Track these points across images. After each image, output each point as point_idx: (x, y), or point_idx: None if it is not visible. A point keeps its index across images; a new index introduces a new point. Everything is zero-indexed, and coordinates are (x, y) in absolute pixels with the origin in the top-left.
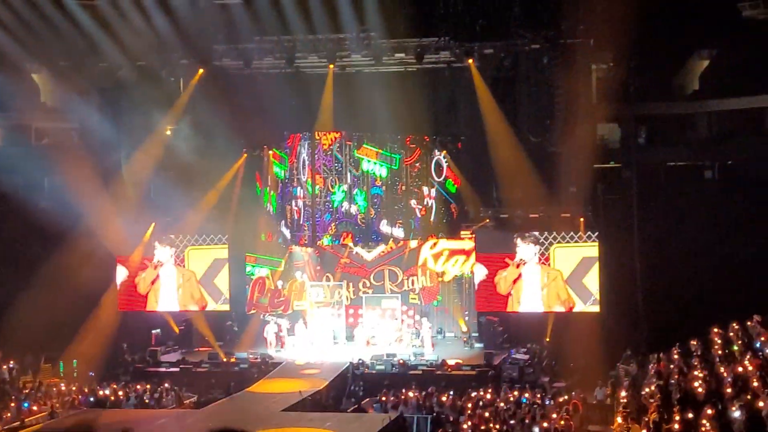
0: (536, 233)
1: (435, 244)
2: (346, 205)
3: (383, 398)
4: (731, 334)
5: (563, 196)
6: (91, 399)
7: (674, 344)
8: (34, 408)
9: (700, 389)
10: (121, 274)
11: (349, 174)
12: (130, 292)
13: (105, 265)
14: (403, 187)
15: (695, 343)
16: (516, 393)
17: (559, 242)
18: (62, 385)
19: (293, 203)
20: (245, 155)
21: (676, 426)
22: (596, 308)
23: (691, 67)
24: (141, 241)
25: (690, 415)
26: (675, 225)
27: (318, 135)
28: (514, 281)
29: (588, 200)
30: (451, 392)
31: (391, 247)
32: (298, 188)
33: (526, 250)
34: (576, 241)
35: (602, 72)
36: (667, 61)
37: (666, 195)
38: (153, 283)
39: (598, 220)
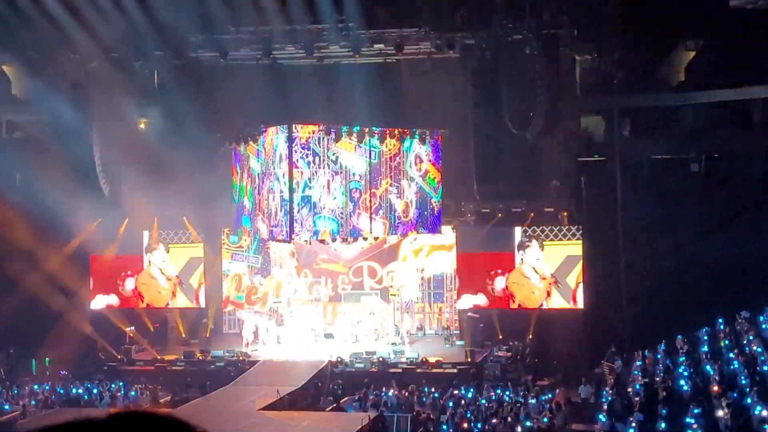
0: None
1: (415, 239)
2: (324, 199)
3: (362, 397)
4: (718, 330)
5: (546, 190)
6: (65, 398)
7: (659, 341)
8: (6, 407)
9: (686, 387)
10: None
11: (327, 168)
12: (113, 289)
13: (78, 260)
14: (383, 182)
15: (681, 339)
16: (498, 391)
17: (543, 240)
18: (35, 383)
19: (270, 198)
20: (225, 148)
21: (662, 425)
22: (579, 304)
23: (676, 58)
24: (115, 236)
25: (676, 414)
26: (660, 219)
27: (295, 128)
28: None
29: (571, 194)
30: (432, 390)
31: (370, 243)
32: (275, 182)
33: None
34: (560, 239)
35: (586, 63)
36: (652, 51)
37: (651, 188)
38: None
39: (581, 214)
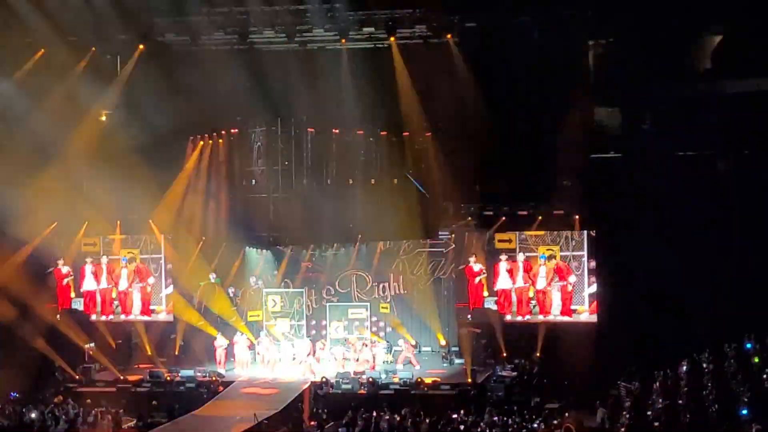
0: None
1: (409, 245)
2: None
3: (350, 422)
4: (748, 347)
5: (556, 191)
6: (16, 424)
7: (683, 359)
8: None
9: (712, 410)
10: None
11: (311, 165)
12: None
13: (31, 268)
14: (373, 180)
15: (707, 357)
16: (502, 415)
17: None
18: None
19: (248, 198)
20: (201, 143)
21: None
22: (593, 318)
23: (702, 44)
24: (72, 241)
25: None
26: (684, 223)
27: (275, 121)
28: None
29: (584, 195)
30: (429, 415)
31: (359, 250)
32: (253, 181)
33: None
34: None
35: (601, 48)
36: (676, 36)
37: (674, 189)
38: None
39: (595, 217)
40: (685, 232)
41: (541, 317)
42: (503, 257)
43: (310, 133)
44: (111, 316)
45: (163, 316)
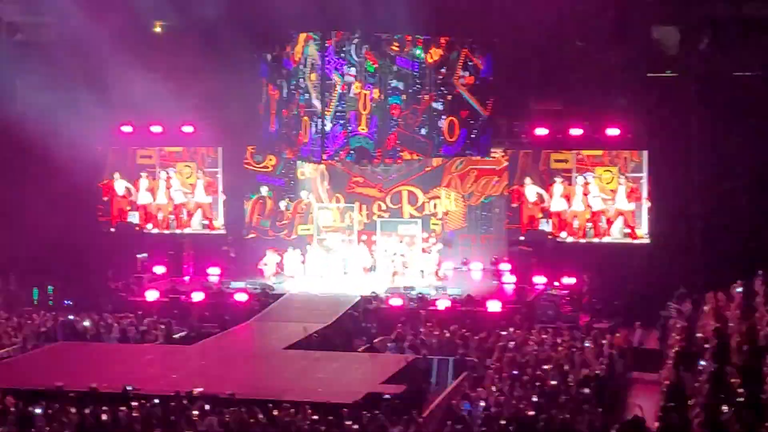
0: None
1: (462, 161)
2: (360, 115)
3: (399, 337)
4: None
5: (611, 109)
6: (69, 331)
7: (735, 281)
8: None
9: (763, 333)
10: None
11: (363, 80)
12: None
13: (87, 178)
14: (426, 96)
15: (761, 277)
16: (551, 334)
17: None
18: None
19: (299, 113)
20: (250, 56)
21: (736, 374)
22: (645, 239)
23: None
24: (126, 153)
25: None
26: (741, 144)
27: (328, 34)
28: None
29: (639, 114)
30: (478, 332)
31: (410, 165)
32: (305, 96)
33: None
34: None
35: None
36: None
37: (731, 110)
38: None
39: (650, 137)
40: (740, 153)
41: (596, 240)
42: (558, 179)
43: (365, 47)
44: (166, 230)
45: (218, 230)
